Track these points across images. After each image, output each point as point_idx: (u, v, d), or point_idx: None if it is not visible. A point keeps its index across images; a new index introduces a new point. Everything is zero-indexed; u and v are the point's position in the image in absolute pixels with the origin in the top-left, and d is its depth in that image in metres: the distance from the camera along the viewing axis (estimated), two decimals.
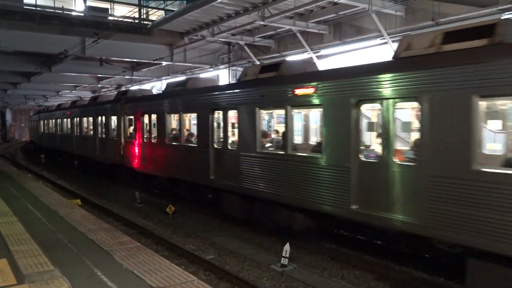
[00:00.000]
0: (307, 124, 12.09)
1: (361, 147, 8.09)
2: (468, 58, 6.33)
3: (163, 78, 27.53)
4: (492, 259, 5.99)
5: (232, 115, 11.45)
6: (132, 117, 17.27)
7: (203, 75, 24.42)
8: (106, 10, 23.33)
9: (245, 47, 19.47)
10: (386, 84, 7.37)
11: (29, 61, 24.38)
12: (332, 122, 8.49)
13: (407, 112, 8.02)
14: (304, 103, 9.25)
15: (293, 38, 17.66)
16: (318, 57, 16.98)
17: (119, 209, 14.50)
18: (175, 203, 13.73)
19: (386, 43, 13.78)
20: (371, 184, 7.69)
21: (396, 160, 7.33)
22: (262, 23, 15.57)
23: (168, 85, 16.28)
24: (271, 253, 9.65)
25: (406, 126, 7.65)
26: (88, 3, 22.18)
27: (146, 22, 20.59)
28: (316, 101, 8.81)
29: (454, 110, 6.37)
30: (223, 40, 18.95)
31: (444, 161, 6.49)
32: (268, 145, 10.95)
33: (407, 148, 8.26)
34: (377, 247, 9.45)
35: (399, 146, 7.81)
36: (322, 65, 16.23)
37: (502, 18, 8.51)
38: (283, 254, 8.68)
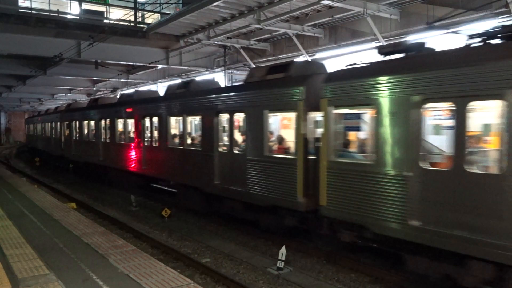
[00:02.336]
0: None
1: (146, 139, 16.11)
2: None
3: (159, 81, 27.51)
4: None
5: (108, 122, 19.41)
6: (67, 122, 25.54)
7: (199, 78, 24.43)
8: (101, 13, 23.30)
9: (241, 50, 19.50)
10: (155, 107, 15.28)
11: (24, 64, 24.27)
12: (137, 126, 16.55)
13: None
14: (130, 116, 17.22)
15: (289, 41, 17.71)
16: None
17: (114, 213, 14.46)
18: (171, 207, 13.72)
19: None
20: (150, 157, 15.62)
21: (155, 144, 15.27)
22: (257, 26, 15.59)
23: (89, 100, 24.99)
24: (267, 256, 9.66)
25: (154, 128, 15.61)
26: (84, 6, 22.16)
27: (141, 25, 20.58)
28: (133, 115, 16.88)
29: (160, 121, 14.97)
30: (218, 43, 18.97)
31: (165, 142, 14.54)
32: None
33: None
34: (373, 250, 9.47)
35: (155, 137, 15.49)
36: None
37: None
38: (279, 257, 8.68)
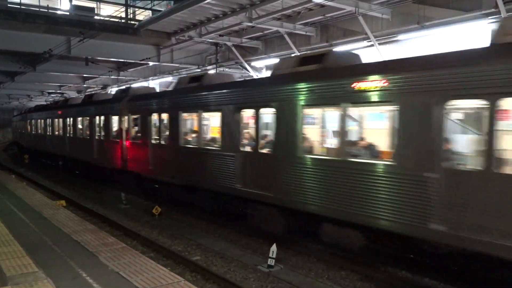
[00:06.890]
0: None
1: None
2: None
3: (150, 78, 27.38)
4: None
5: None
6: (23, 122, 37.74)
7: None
8: (92, 9, 23.04)
9: (233, 48, 19.47)
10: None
11: (13, 60, 23.97)
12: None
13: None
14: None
15: (281, 39, 17.71)
16: None
17: (104, 210, 14.37)
18: (161, 205, 13.67)
19: (372, 45, 13.90)
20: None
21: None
22: (249, 24, 15.56)
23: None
24: (257, 254, 9.67)
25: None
26: (74, 2, 21.95)
27: (133, 22, 20.44)
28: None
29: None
30: (210, 41, 18.91)
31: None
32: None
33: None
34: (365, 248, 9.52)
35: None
36: None
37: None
38: (270, 255, 8.71)
